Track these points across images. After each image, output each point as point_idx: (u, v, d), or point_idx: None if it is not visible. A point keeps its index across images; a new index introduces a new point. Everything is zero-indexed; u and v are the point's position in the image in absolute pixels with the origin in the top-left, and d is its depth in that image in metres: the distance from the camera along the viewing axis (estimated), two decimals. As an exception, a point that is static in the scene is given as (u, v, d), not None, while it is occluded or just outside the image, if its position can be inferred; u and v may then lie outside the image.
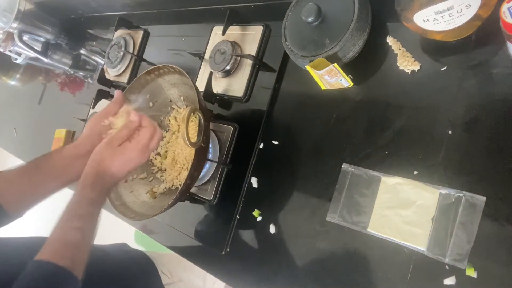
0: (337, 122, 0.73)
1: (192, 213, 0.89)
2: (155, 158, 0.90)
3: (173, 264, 0.99)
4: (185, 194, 0.84)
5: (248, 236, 0.80)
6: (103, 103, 1.18)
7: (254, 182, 0.80)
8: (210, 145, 0.84)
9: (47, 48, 1.34)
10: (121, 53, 1.16)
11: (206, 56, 0.96)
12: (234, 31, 0.93)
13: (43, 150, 1.33)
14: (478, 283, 0.54)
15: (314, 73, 0.70)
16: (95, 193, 0.62)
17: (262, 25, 0.88)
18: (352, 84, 0.71)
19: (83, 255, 0.57)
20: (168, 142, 0.90)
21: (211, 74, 0.90)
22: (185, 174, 0.82)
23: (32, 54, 1.32)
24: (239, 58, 0.90)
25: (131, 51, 1.16)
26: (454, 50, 0.63)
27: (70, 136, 1.30)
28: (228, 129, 0.85)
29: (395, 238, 0.61)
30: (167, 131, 0.91)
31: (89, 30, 1.43)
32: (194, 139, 0.73)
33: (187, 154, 0.85)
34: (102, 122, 0.71)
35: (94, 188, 0.62)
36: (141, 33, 1.17)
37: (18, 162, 1.43)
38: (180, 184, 0.84)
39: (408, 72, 0.66)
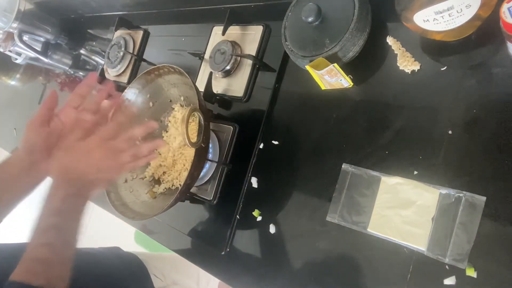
0: (337, 122, 0.73)
1: (192, 213, 0.89)
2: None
3: (166, 267, 0.99)
4: (185, 194, 0.85)
5: (248, 236, 0.80)
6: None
7: (254, 182, 0.80)
8: (210, 145, 0.84)
9: (47, 48, 1.33)
10: (121, 53, 1.16)
11: (206, 56, 0.97)
12: (234, 31, 0.93)
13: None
14: (478, 283, 0.54)
15: (314, 73, 0.70)
16: (57, 201, 0.57)
17: (262, 25, 0.88)
18: (352, 84, 0.71)
19: (60, 271, 0.54)
20: (168, 143, 0.90)
21: (211, 74, 0.90)
22: (185, 174, 0.82)
23: (32, 54, 1.32)
24: (239, 58, 0.90)
25: (131, 51, 1.16)
26: (454, 50, 0.63)
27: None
28: (228, 129, 0.85)
29: (395, 238, 0.61)
30: (167, 131, 0.91)
31: (89, 30, 1.43)
32: (194, 139, 0.73)
33: (187, 154, 0.85)
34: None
35: (55, 196, 0.57)
36: (141, 33, 1.17)
37: (18, 162, 1.43)
38: (180, 184, 0.84)
39: (408, 72, 0.66)
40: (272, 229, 0.75)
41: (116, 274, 0.86)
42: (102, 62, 1.29)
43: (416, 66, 0.65)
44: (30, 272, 0.51)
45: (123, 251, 0.98)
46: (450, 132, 0.60)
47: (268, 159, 0.81)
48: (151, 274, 0.93)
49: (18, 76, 1.59)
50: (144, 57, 1.15)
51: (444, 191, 0.59)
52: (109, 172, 0.62)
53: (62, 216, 0.57)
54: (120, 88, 1.19)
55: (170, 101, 0.92)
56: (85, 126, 0.61)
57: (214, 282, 1.11)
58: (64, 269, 0.55)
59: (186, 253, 0.88)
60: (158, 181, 0.90)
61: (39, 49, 1.32)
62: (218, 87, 0.92)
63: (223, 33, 0.92)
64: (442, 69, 0.63)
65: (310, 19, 0.69)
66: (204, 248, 0.85)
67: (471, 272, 0.54)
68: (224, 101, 0.92)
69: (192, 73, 0.97)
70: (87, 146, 0.60)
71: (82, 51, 1.41)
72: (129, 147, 0.62)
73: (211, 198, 0.84)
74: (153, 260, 0.99)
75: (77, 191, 0.59)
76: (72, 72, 1.43)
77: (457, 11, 0.54)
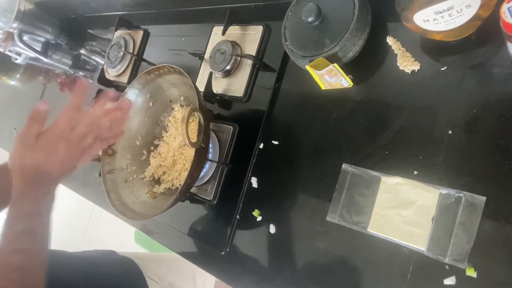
0: (337, 122, 0.73)
1: (192, 213, 0.89)
2: (154, 157, 0.91)
3: (162, 269, 0.99)
4: (185, 194, 0.84)
5: (248, 236, 0.80)
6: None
7: (254, 182, 0.80)
8: (210, 145, 0.84)
9: (47, 48, 1.34)
10: (121, 53, 1.16)
11: (206, 56, 0.97)
12: (234, 31, 0.93)
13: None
14: (478, 283, 0.54)
15: (314, 73, 0.70)
16: (28, 204, 0.54)
17: (262, 25, 0.88)
18: (352, 84, 0.71)
19: (36, 275, 0.52)
20: (168, 143, 0.90)
21: (211, 74, 0.90)
22: (185, 174, 0.82)
23: (32, 54, 1.32)
24: (239, 58, 0.90)
25: (131, 51, 1.16)
26: (454, 50, 0.63)
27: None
28: (228, 129, 0.85)
29: (395, 238, 0.61)
30: (167, 131, 0.91)
31: (89, 30, 1.43)
32: (194, 139, 0.73)
33: (187, 154, 0.85)
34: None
35: (25, 199, 0.54)
36: (141, 33, 1.17)
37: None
38: (180, 184, 0.84)
39: (408, 72, 0.66)
40: (272, 229, 0.75)
41: (111, 280, 0.86)
42: (102, 62, 1.29)
43: (416, 66, 0.65)
44: (5, 281, 0.48)
45: (119, 255, 0.97)
46: (450, 132, 0.60)
47: (268, 159, 0.81)
48: (146, 277, 0.93)
49: (18, 76, 1.59)
50: (144, 57, 1.15)
51: (444, 191, 0.59)
52: (73, 162, 0.59)
53: (35, 219, 0.54)
54: (120, 88, 1.19)
55: (170, 101, 0.92)
56: (41, 117, 0.57)
57: (210, 283, 1.12)
58: (40, 273, 0.52)
59: (186, 253, 0.88)
60: (158, 181, 0.90)
61: (39, 49, 1.32)
62: (218, 87, 0.92)
63: (223, 33, 0.92)
64: (442, 69, 0.63)
65: (310, 19, 0.69)
66: (204, 248, 0.85)
67: (471, 272, 0.54)
68: (224, 101, 0.92)
69: (192, 73, 0.97)
70: (49, 141, 0.56)
71: (82, 51, 1.41)
72: (90, 130, 0.59)
73: (211, 198, 0.84)
74: (149, 262, 0.98)
75: (46, 190, 0.56)
76: (72, 72, 1.43)
77: (457, 11, 0.54)
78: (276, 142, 0.80)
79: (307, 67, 0.70)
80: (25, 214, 0.54)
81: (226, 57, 0.89)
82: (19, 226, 0.53)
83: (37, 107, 0.57)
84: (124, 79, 1.16)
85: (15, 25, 1.23)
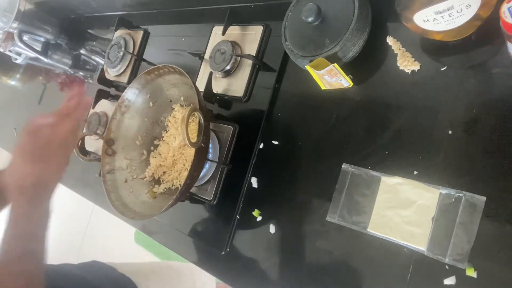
0: (337, 122, 0.73)
1: (192, 213, 0.89)
2: (154, 157, 0.91)
3: (161, 284, 0.98)
4: (185, 194, 0.85)
5: (248, 236, 0.80)
6: (103, 103, 1.18)
7: (254, 182, 0.80)
8: (210, 145, 0.84)
9: (47, 48, 1.33)
10: (121, 53, 1.16)
11: (206, 56, 0.97)
12: (234, 31, 0.93)
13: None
14: (478, 283, 0.54)
15: (314, 73, 0.70)
16: (30, 224, 0.53)
17: (262, 25, 0.88)
18: (352, 84, 0.71)
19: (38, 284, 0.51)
20: (168, 143, 0.90)
21: (211, 74, 0.90)
22: (185, 174, 0.82)
23: (32, 54, 1.32)
24: (239, 58, 0.90)
25: (131, 51, 1.16)
26: (454, 50, 0.63)
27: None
28: (228, 129, 0.85)
29: (395, 238, 0.61)
30: (167, 131, 0.91)
31: (89, 30, 1.43)
32: (194, 139, 0.73)
33: (187, 154, 0.85)
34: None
35: (28, 220, 0.53)
36: (141, 33, 1.17)
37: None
38: (180, 184, 0.84)
39: (408, 72, 0.66)
40: (272, 229, 0.75)
41: None
42: (102, 62, 1.29)
43: (416, 66, 0.65)
44: None
45: (117, 273, 0.94)
46: (450, 132, 0.60)
47: (268, 159, 0.81)
48: None
49: (18, 76, 1.59)
50: (144, 57, 1.15)
51: (444, 191, 0.59)
52: (65, 167, 0.59)
53: (36, 239, 0.54)
54: (120, 88, 1.19)
55: (170, 101, 0.92)
56: (46, 132, 0.56)
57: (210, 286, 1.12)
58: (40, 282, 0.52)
59: (186, 253, 0.88)
60: (158, 181, 0.90)
61: (39, 49, 1.32)
62: (218, 87, 0.92)
63: (223, 33, 0.92)
64: (442, 69, 0.63)
65: (310, 19, 0.69)
66: (204, 248, 0.85)
67: (471, 272, 0.54)
68: (224, 101, 0.92)
69: (192, 73, 0.97)
70: (49, 153, 0.56)
71: (82, 51, 1.41)
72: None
73: (211, 198, 0.84)
74: (147, 279, 0.96)
75: (46, 208, 0.56)
76: (72, 72, 1.43)
77: (457, 11, 0.54)
78: (276, 142, 0.80)
79: (307, 67, 0.70)
80: (26, 235, 0.53)
81: (226, 57, 0.89)
82: (20, 248, 0.52)
83: (36, 120, 0.56)
84: (124, 79, 1.16)
85: (15, 25, 1.23)
